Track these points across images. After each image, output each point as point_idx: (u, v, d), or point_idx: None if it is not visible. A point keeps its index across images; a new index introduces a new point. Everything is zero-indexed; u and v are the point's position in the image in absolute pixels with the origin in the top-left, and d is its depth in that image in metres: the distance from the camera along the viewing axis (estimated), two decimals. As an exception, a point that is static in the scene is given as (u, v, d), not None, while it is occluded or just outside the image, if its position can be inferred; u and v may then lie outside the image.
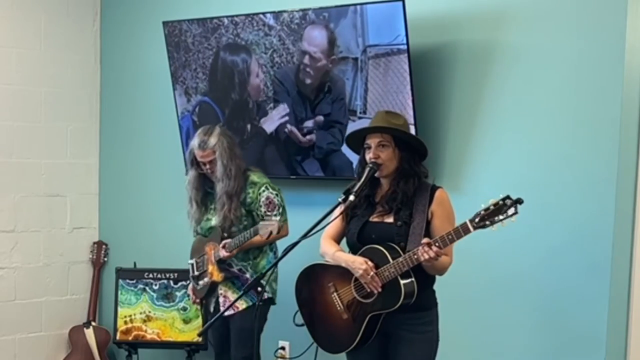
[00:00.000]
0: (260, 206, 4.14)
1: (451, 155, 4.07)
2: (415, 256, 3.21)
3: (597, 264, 3.65)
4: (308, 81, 4.41)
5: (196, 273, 4.32)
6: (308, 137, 4.47)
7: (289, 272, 3.67)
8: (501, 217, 3.09)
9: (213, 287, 4.25)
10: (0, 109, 5.28)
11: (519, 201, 3.10)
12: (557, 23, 3.77)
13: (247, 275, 4.19)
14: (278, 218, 4.14)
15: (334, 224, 3.52)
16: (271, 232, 3.94)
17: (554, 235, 3.78)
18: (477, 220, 3.12)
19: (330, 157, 4.42)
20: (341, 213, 3.46)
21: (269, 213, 4.14)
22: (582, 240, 3.70)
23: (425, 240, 3.20)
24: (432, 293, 3.45)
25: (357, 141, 3.48)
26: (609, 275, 3.62)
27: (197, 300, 4.40)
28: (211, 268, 4.21)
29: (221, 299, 4.23)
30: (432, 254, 3.17)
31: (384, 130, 3.37)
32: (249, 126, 4.70)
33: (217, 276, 4.19)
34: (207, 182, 4.27)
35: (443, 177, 3.95)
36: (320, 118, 4.40)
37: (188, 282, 4.50)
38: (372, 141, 3.38)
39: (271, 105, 4.60)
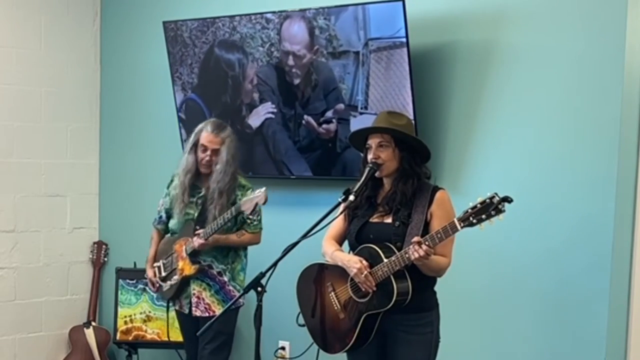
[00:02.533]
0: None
1: (451, 155, 4.07)
2: (407, 255, 3.21)
3: (597, 264, 3.65)
4: (296, 81, 4.35)
5: (163, 274, 4.27)
6: (325, 126, 4.32)
7: (289, 272, 3.66)
8: (488, 215, 3.06)
9: (183, 285, 4.20)
10: (0, 109, 5.28)
11: (506, 199, 3.06)
12: (557, 23, 3.77)
13: (225, 279, 4.18)
14: (256, 224, 4.16)
15: (336, 224, 3.53)
16: (256, 204, 3.88)
17: (554, 235, 3.77)
18: (464, 218, 3.11)
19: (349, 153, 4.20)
20: (341, 213, 3.46)
21: (251, 217, 4.12)
22: (582, 240, 3.70)
23: (415, 238, 3.19)
24: (433, 294, 3.44)
25: (360, 141, 3.48)
26: (609, 275, 3.62)
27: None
28: (181, 264, 4.17)
29: (194, 299, 4.19)
30: (422, 253, 3.16)
31: (383, 130, 3.37)
32: (237, 128, 4.64)
33: (189, 269, 4.13)
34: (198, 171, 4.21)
35: (443, 177, 3.95)
36: (341, 106, 4.23)
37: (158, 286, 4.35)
38: (372, 141, 3.39)
39: (257, 102, 4.58)
